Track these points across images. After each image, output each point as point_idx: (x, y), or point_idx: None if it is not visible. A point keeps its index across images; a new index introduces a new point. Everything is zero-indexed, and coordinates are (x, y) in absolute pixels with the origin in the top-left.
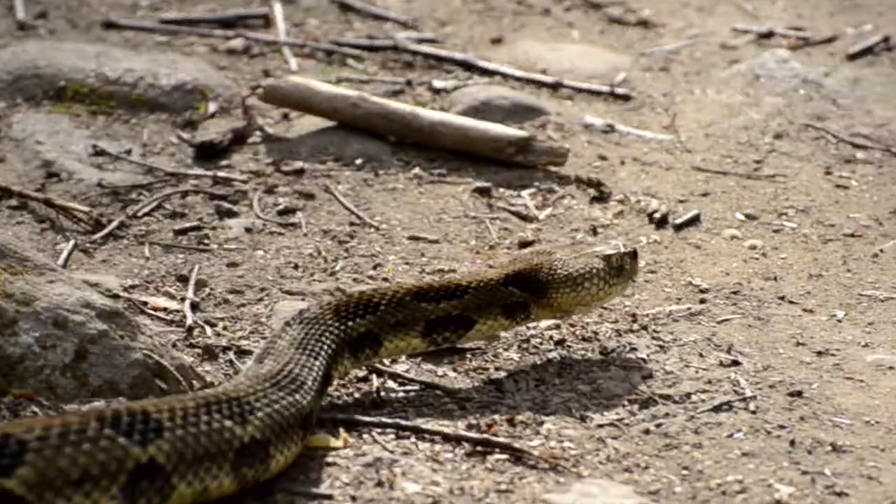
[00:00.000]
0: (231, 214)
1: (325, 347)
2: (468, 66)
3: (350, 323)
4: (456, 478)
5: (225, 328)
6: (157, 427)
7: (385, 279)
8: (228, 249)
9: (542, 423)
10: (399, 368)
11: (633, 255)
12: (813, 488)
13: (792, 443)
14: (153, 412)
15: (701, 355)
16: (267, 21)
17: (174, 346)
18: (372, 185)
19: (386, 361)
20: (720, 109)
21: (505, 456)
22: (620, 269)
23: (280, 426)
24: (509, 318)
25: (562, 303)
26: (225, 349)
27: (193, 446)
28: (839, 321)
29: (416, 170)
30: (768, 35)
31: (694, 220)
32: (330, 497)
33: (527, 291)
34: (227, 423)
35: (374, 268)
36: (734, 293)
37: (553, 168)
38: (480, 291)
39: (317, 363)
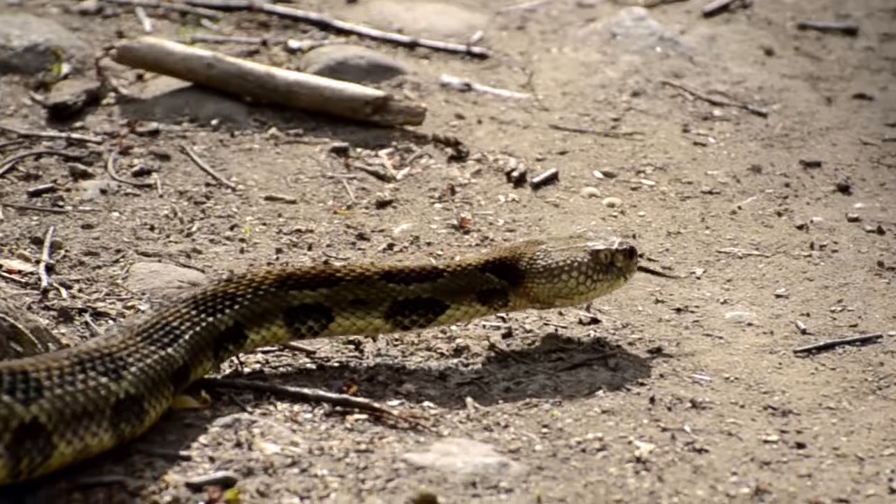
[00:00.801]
0: (86, 176)
1: (229, 309)
2: (324, 26)
3: (293, 293)
4: (315, 438)
5: (80, 290)
6: (38, 386)
7: (242, 239)
8: (83, 211)
9: (401, 382)
10: None
11: (629, 252)
12: (673, 445)
13: (652, 400)
14: (31, 371)
15: (560, 314)
16: None
17: (29, 308)
18: (228, 146)
19: None
20: (577, 68)
21: (364, 416)
22: (610, 265)
23: (153, 381)
24: (485, 305)
25: (538, 293)
26: (80, 311)
27: (72, 405)
28: (698, 278)
29: (273, 130)
30: None
31: (552, 179)
32: (188, 458)
33: (506, 279)
34: (103, 379)
35: (231, 228)
36: None
37: (410, 127)
38: (456, 276)
39: (207, 319)
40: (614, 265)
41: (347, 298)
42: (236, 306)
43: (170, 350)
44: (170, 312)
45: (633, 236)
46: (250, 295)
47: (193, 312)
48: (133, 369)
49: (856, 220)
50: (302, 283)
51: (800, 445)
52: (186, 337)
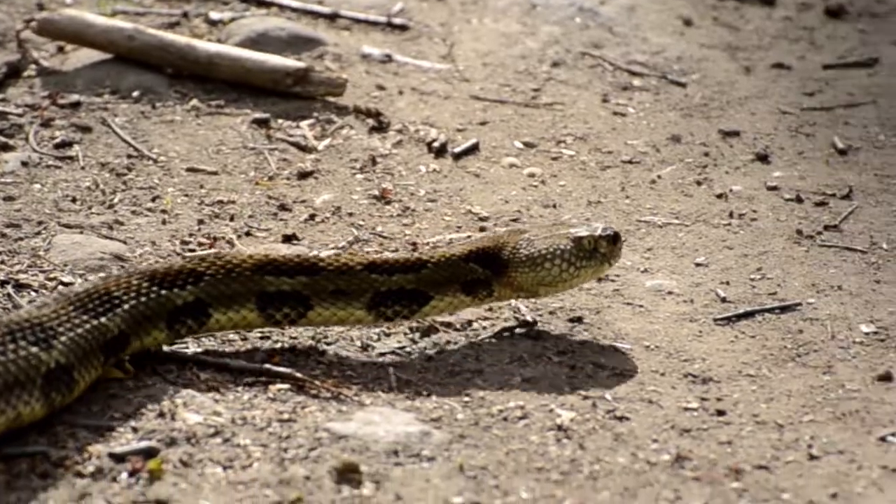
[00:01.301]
0: (7, 148)
1: (192, 285)
2: None
3: (270, 278)
4: (238, 408)
5: (2, 262)
6: None
7: (164, 210)
8: (5, 183)
9: (323, 352)
10: None
11: (613, 238)
12: (594, 412)
13: (572, 368)
14: None
15: None
16: None
17: None
18: (149, 118)
19: None
20: (497, 38)
21: (287, 386)
22: (593, 251)
23: (83, 350)
24: (470, 296)
25: (522, 282)
26: (3, 283)
27: (4, 375)
28: None
29: (194, 102)
30: None
31: (473, 149)
32: (111, 428)
33: (490, 269)
34: (33, 349)
35: (153, 200)
36: (514, 220)
37: (331, 99)
38: (440, 266)
39: (160, 292)
40: (598, 251)
41: (328, 288)
42: (202, 284)
43: (103, 320)
44: (115, 282)
45: (554, 206)
46: (221, 275)
47: (146, 284)
48: (63, 339)
49: (774, 188)
50: (281, 269)
51: (720, 413)
52: (126, 307)
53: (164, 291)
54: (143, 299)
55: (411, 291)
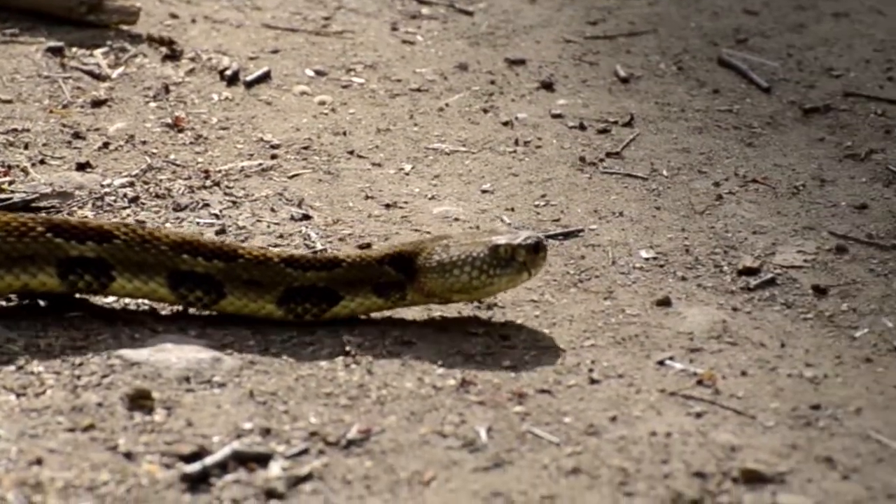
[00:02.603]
0: None
1: (92, 241)
2: None
3: (184, 256)
4: (31, 335)
5: None
6: None
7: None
8: None
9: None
10: None
11: (534, 247)
12: (382, 339)
13: None
14: None
15: (273, 210)
16: None
17: None
18: None
19: None
20: None
21: (80, 313)
22: (511, 260)
23: None
24: (382, 297)
25: (432, 288)
26: None
27: None
28: (407, 174)
29: None
30: None
31: (264, 77)
32: None
33: (404, 273)
34: None
35: None
36: (305, 148)
37: (125, 27)
38: (354, 266)
39: (55, 241)
40: (516, 259)
41: (242, 277)
42: (105, 244)
43: None
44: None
45: (344, 133)
46: (136, 245)
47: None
48: None
49: (559, 116)
50: (198, 251)
51: (504, 338)
52: None
53: (58, 240)
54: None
55: (323, 290)
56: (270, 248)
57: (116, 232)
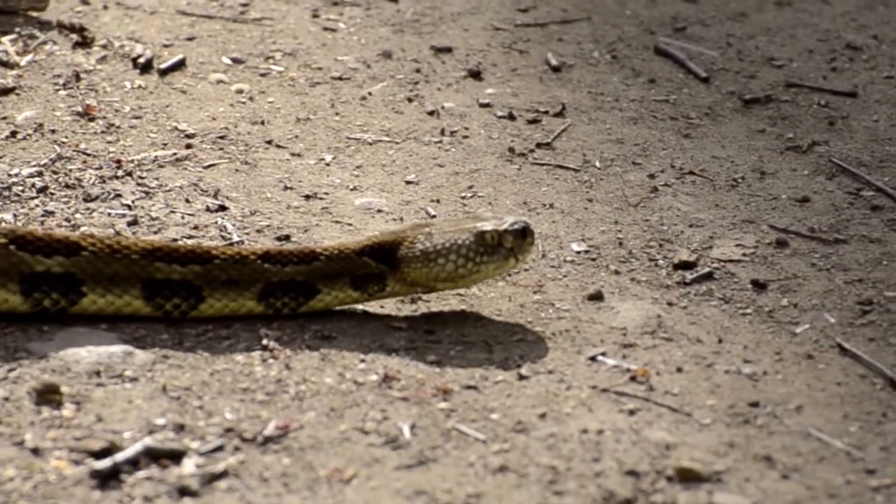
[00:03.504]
0: None
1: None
2: None
3: (157, 264)
4: None
5: None
6: None
7: None
8: None
9: None
10: None
11: (521, 232)
12: (301, 333)
13: None
14: None
15: (188, 200)
16: None
17: None
18: None
19: None
20: None
21: None
22: (497, 246)
23: None
24: (359, 290)
25: (416, 277)
26: None
27: None
28: (328, 164)
29: None
30: None
31: (179, 65)
32: None
33: (385, 264)
34: None
35: None
36: (221, 138)
37: (34, 14)
38: (332, 259)
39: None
40: (503, 246)
41: (220, 278)
42: (74, 258)
43: None
44: None
45: (262, 123)
46: (105, 256)
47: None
48: None
49: (487, 105)
50: (172, 257)
51: (429, 332)
52: None
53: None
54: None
55: (301, 283)
56: (244, 246)
57: (84, 243)
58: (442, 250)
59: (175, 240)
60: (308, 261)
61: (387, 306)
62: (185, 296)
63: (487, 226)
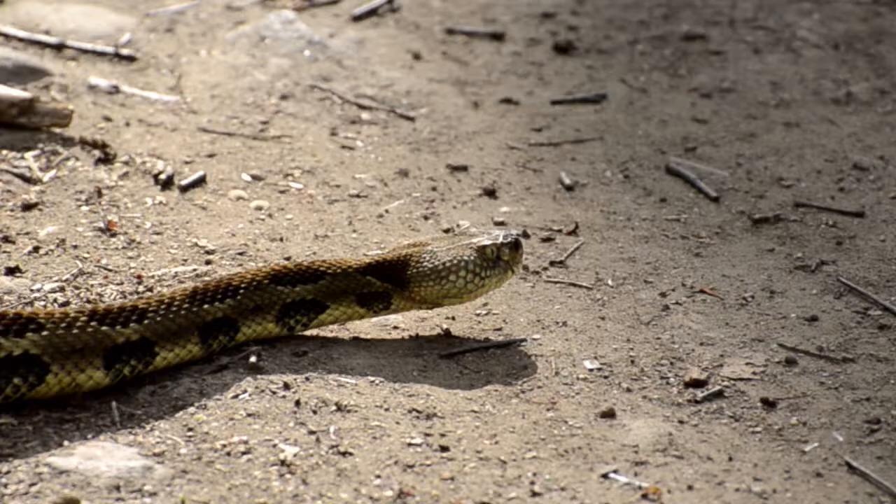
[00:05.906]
0: None
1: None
2: None
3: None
4: None
5: None
6: None
7: None
8: None
9: None
10: None
11: (514, 245)
12: (318, 448)
13: (297, 403)
14: None
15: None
16: None
17: None
18: None
19: None
20: (226, 71)
21: (8, 420)
22: (497, 260)
23: None
24: (365, 307)
25: (426, 295)
26: None
27: None
28: None
29: None
30: None
31: (199, 182)
32: None
33: (390, 282)
34: None
35: None
36: (240, 254)
37: (57, 130)
38: (336, 278)
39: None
40: (501, 259)
41: (249, 306)
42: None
43: None
44: None
45: (281, 239)
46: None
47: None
48: None
49: (501, 223)
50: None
51: (443, 448)
52: None
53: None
54: None
55: (311, 301)
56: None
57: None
58: (451, 267)
59: None
60: (314, 280)
61: (402, 423)
62: (226, 330)
63: (485, 240)
